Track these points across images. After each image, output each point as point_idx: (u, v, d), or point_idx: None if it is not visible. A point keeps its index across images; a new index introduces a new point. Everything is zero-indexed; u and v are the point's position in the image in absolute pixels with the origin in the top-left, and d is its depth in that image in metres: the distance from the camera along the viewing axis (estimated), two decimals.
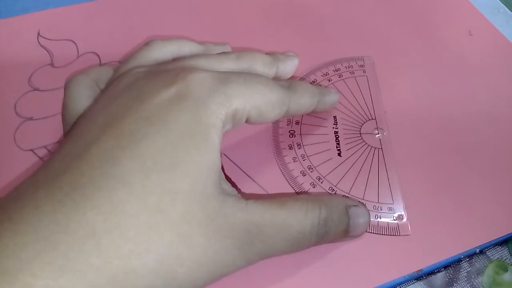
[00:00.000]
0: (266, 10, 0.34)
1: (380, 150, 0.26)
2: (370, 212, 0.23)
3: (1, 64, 0.29)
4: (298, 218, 0.19)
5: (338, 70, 0.29)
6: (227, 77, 0.19)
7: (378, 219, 0.23)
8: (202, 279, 0.17)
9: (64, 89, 0.21)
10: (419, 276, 0.22)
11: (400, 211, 0.23)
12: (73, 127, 0.20)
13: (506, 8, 0.36)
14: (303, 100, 0.23)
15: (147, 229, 0.15)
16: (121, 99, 0.18)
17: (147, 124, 0.17)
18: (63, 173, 0.16)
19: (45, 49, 0.30)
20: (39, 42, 0.31)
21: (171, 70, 0.19)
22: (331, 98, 0.25)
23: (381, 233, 0.23)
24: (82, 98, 0.20)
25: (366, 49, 0.31)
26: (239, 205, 0.18)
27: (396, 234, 0.23)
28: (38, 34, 0.31)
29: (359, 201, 0.22)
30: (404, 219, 0.23)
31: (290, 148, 0.26)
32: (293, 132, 0.26)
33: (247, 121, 0.20)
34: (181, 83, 0.18)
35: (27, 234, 0.14)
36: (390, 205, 0.24)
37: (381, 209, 0.23)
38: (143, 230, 0.15)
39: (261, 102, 0.20)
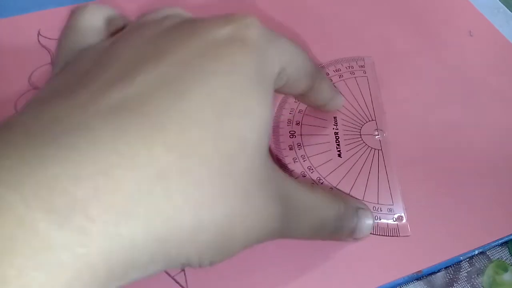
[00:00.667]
0: (266, 10, 0.34)
1: (380, 151, 0.26)
2: (376, 212, 0.23)
3: (2, 63, 0.29)
4: (324, 206, 0.19)
5: (338, 70, 0.29)
6: (274, 31, 0.18)
7: (378, 220, 0.23)
8: (250, 241, 0.15)
9: (69, 17, 0.18)
10: (419, 276, 0.22)
11: (399, 212, 0.24)
12: (86, 59, 0.16)
13: (506, 8, 0.36)
14: (325, 85, 0.23)
15: (219, 178, 0.13)
16: (171, 34, 0.16)
17: (214, 61, 0.15)
18: (116, 95, 0.13)
19: (45, 48, 0.30)
20: (39, 41, 0.31)
21: (221, 15, 0.17)
22: (341, 99, 0.26)
23: (380, 234, 0.23)
24: (92, 32, 0.18)
25: (366, 49, 0.31)
26: (283, 175, 0.17)
27: (396, 235, 0.23)
28: (39, 33, 0.31)
29: (366, 205, 0.22)
30: (404, 220, 0.23)
31: (291, 148, 0.26)
32: (294, 132, 0.26)
33: (278, 86, 0.18)
34: (238, 24, 0.16)
35: (81, 164, 0.11)
36: (390, 206, 0.24)
37: (381, 210, 0.23)
38: (215, 179, 0.13)
39: (301, 65, 0.19)
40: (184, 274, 0.21)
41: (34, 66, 0.29)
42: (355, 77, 0.29)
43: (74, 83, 0.15)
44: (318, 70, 0.22)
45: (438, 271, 0.23)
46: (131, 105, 0.13)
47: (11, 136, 0.12)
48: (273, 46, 0.17)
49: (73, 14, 0.18)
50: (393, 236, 0.23)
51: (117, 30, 0.19)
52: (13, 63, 0.29)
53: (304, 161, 0.25)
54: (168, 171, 0.12)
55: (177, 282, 0.21)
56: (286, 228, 0.17)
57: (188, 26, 0.16)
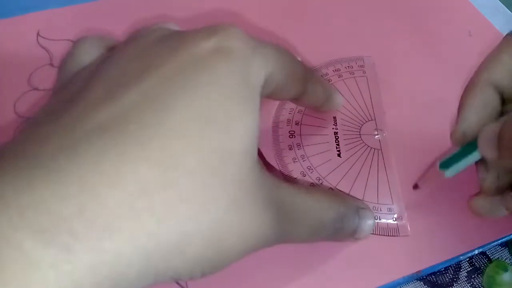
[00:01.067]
0: (265, 10, 0.34)
1: (379, 151, 0.26)
2: (376, 212, 0.23)
3: (1, 63, 0.29)
4: (322, 208, 0.19)
5: (337, 70, 0.29)
6: (259, 40, 0.18)
7: (378, 220, 0.23)
8: (243, 251, 0.15)
9: (71, 46, 0.19)
10: (419, 276, 0.22)
11: (399, 212, 0.23)
12: (78, 79, 0.17)
13: (506, 9, 0.36)
14: (318, 88, 0.23)
15: (203, 190, 0.14)
16: (156, 48, 0.16)
17: (196, 74, 0.15)
18: (100, 115, 0.14)
19: (45, 49, 0.30)
20: (38, 42, 0.31)
21: (205, 27, 0.17)
22: (339, 99, 0.26)
23: (380, 234, 0.23)
24: (89, 57, 0.18)
25: (366, 49, 0.31)
26: (275, 181, 0.17)
27: (396, 234, 0.23)
28: (38, 34, 0.31)
29: (367, 205, 0.22)
30: (404, 220, 0.23)
31: (290, 148, 0.26)
32: (293, 132, 0.26)
33: (267, 93, 0.18)
34: (222, 36, 0.16)
35: (66, 185, 0.12)
36: (389, 206, 0.24)
37: (380, 210, 0.23)
38: (199, 191, 0.14)
39: (289, 71, 0.19)
40: None
41: (34, 67, 0.29)
42: (354, 77, 0.29)
43: (64, 105, 0.15)
44: (310, 73, 0.22)
45: (438, 271, 0.23)
46: (115, 124, 0.13)
47: (0, 162, 0.13)
48: (257, 55, 0.17)
49: (74, 44, 0.19)
50: (393, 236, 0.23)
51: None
52: (12, 63, 0.29)
53: (303, 161, 0.25)
54: (151, 186, 0.13)
55: (177, 282, 0.21)
56: (284, 233, 0.17)
57: (174, 39, 0.17)
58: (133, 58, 0.16)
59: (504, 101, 0.21)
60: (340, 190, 0.24)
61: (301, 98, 0.22)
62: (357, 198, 0.24)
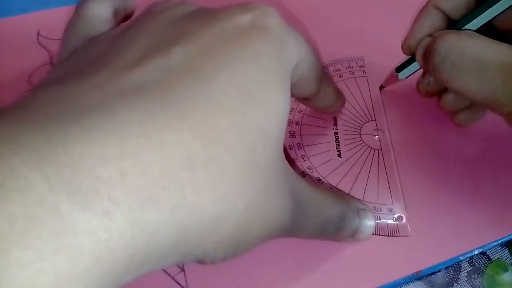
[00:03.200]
0: None
1: (379, 152, 0.26)
2: (377, 212, 0.23)
3: (1, 63, 0.29)
4: (328, 204, 0.19)
5: (338, 70, 0.29)
6: (289, 24, 0.17)
7: (378, 220, 0.23)
8: (265, 237, 0.15)
9: (77, 7, 0.18)
10: (419, 276, 0.22)
11: (399, 212, 0.23)
12: (98, 45, 0.16)
13: None
14: (331, 90, 0.23)
15: (241, 169, 0.13)
16: (189, 20, 0.15)
17: (236, 47, 0.14)
18: (136, 78, 0.13)
19: (45, 48, 0.30)
20: (39, 42, 0.31)
21: (238, 5, 0.16)
22: (343, 102, 0.26)
23: (380, 234, 0.23)
24: (100, 22, 0.17)
25: (366, 49, 0.31)
26: (293, 171, 0.17)
27: (396, 235, 0.23)
28: (38, 33, 0.31)
29: (368, 205, 0.22)
30: (404, 220, 0.23)
31: (290, 148, 0.26)
32: (293, 132, 0.26)
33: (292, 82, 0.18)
34: (258, 12, 0.15)
35: (106, 145, 0.11)
36: (389, 206, 0.24)
37: (380, 210, 0.23)
38: (238, 170, 0.13)
39: (313, 64, 0.18)
40: (184, 274, 0.21)
41: (34, 66, 0.29)
42: (354, 77, 0.29)
43: (88, 66, 0.14)
44: (326, 74, 0.21)
45: (438, 271, 0.23)
46: (154, 88, 0.13)
47: (29, 115, 0.11)
48: (291, 37, 0.16)
49: (80, 5, 0.18)
50: (393, 236, 0.23)
51: (123, 20, 0.19)
52: (12, 63, 0.29)
53: (304, 161, 0.25)
54: (195, 159, 0.12)
55: (177, 282, 0.21)
56: (296, 224, 0.17)
57: (207, 12, 0.16)
58: (164, 27, 0.15)
59: (451, 20, 0.23)
60: (340, 190, 0.24)
61: (313, 98, 0.21)
62: (358, 199, 0.24)
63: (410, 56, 0.25)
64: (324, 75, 0.21)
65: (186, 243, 0.12)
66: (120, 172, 0.11)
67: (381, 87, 0.28)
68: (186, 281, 0.21)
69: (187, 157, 0.12)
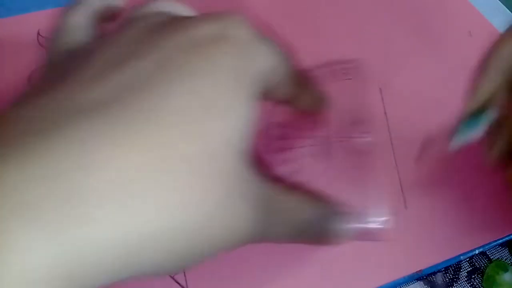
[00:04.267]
0: (264, 10, 0.34)
1: (369, 154, 0.26)
2: (358, 215, 0.23)
3: (1, 63, 0.29)
4: (306, 208, 0.18)
5: (331, 71, 0.29)
6: (263, 33, 0.17)
7: (364, 224, 0.23)
8: (227, 245, 0.15)
9: (59, 17, 0.18)
10: (419, 276, 0.22)
11: (387, 215, 0.23)
12: (71, 59, 0.16)
13: (506, 9, 0.36)
14: (310, 93, 0.22)
15: (198, 179, 0.13)
16: (154, 33, 0.15)
17: (195, 59, 0.14)
18: (88, 98, 0.13)
19: (45, 49, 0.30)
20: (38, 42, 0.31)
21: (211, 13, 0.16)
22: (327, 104, 0.26)
23: (364, 239, 0.22)
24: (80, 32, 0.17)
25: (365, 49, 0.31)
26: (262, 177, 0.17)
27: (382, 239, 0.22)
28: (38, 33, 0.31)
29: (349, 208, 0.22)
30: (390, 224, 0.23)
31: (280, 150, 0.26)
32: (283, 134, 0.26)
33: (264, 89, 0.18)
34: (225, 23, 0.16)
35: (41, 167, 0.11)
36: (378, 210, 0.23)
37: (369, 213, 0.23)
38: (194, 180, 0.13)
39: (285, 70, 0.18)
40: (184, 274, 0.21)
41: (34, 66, 0.29)
42: (347, 78, 0.29)
43: (54, 82, 0.14)
44: (304, 76, 0.21)
45: (438, 271, 0.23)
46: (108, 105, 0.13)
47: None
48: (259, 47, 0.16)
49: (62, 15, 0.18)
50: (376, 240, 0.22)
51: (113, 19, 0.19)
52: (12, 63, 0.29)
53: (293, 163, 0.25)
54: (146, 173, 0.12)
55: (177, 282, 0.21)
56: (266, 231, 0.17)
57: (175, 23, 0.16)
58: (130, 40, 0.15)
59: None
60: (324, 193, 0.24)
61: (293, 101, 0.21)
62: (343, 202, 0.23)
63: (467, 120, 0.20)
64: (302, 77, 0.21)
65: (135, 259, 0.12)
66: (57, 189, 0.11)
67: (418, 162, 0.24)
68: (186, 281, 0.21)
69: (136, 172, 0.12)
